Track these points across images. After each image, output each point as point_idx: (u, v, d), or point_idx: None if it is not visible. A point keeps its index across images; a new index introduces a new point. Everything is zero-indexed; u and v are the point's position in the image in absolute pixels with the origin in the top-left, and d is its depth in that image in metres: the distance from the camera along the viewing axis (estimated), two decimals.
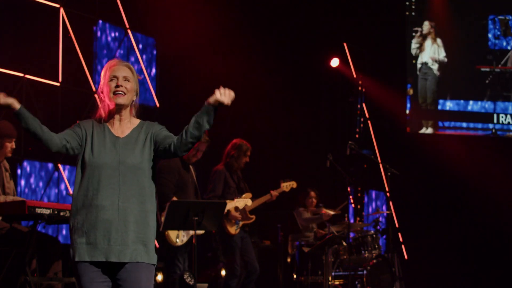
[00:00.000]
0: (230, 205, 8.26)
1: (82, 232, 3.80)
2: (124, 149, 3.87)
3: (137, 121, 4.00)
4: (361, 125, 13.02)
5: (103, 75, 3.94)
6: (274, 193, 8.62)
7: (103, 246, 3.77)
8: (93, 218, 3.79)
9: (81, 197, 3.83)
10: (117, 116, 3.95)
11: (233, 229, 8.34)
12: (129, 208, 3.82)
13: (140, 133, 3.94)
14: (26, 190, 8.99)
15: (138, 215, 3.84)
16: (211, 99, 3.76)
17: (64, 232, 9.32)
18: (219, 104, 3.75)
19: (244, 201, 8.40)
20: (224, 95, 3.75)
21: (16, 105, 3.72)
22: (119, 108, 3.93)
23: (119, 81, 3.90)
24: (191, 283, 7.39)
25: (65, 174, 9.33)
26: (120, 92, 3.89)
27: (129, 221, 3.81)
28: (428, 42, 13.64)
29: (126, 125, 3.95)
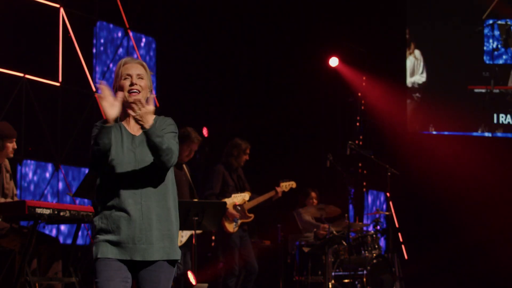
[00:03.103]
0: (229, 201, 8.27)
1: (106, 231, 3.79)
2: (141, 147, 3.85)
3: (152, 117, 3.95)
4: (361, 125, 13.01)
5: (116, 74, 3.91)
6: (279, 189, 8.65)
7: (128, 245, 3.76)
8: (117, 218, 3.77)
9: (104, 198, 3.81)
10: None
11: (231, 227, 8.34)
12: (151, 206, 3.80)
13: None
14: (26, 190, 9.00)
15: (161, 212, 3.82)
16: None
17: (64, 232, 9.32)
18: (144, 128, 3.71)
19: (242, 196, 8.40)
20: (140, 119, 3.70)
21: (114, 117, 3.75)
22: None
23: (133, 79, 3.86)
24: (193, 282, 7.39)
25: (65, 174, 9.33)
26: (135, 91, 3.85)
27: (153, 219, 3.79)
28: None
29: None
